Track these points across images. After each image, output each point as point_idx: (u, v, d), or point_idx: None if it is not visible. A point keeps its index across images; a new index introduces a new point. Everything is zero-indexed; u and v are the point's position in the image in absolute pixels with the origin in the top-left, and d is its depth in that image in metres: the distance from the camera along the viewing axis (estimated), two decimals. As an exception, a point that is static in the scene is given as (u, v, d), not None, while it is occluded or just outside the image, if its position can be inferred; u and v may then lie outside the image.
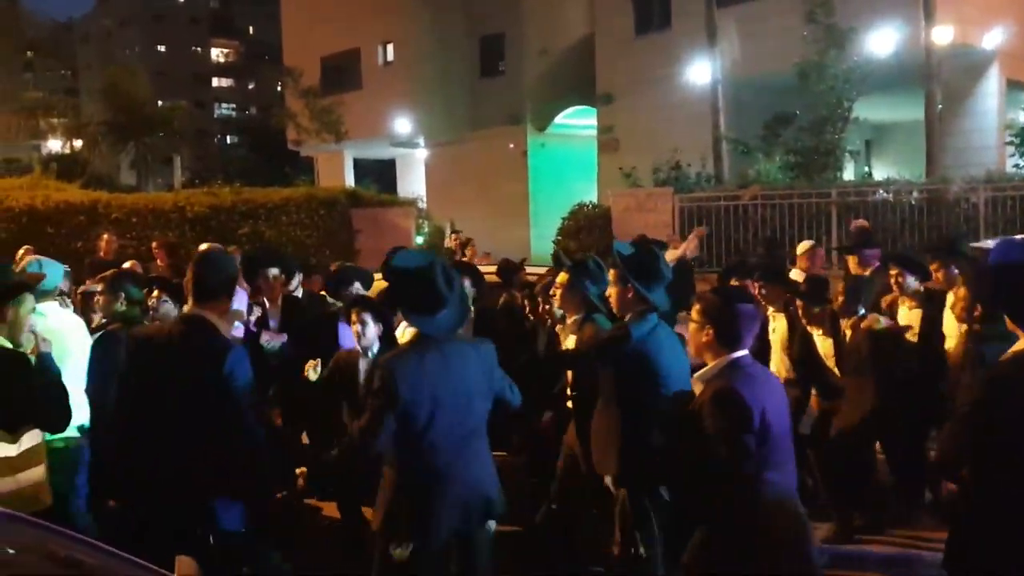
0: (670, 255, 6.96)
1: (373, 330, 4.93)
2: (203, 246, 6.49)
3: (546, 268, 7.20)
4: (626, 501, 4.10)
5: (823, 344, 5.83)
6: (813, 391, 5.84)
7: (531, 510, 5.09)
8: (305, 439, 6.09)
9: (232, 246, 9.07)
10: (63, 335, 4.44)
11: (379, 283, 5.50)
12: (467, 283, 5.64)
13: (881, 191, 12.90)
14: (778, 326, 5.97)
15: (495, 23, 24.42)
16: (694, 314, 3.30)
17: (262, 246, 12.34)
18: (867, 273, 6.59)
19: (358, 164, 28.46)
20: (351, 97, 25.14)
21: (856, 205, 12.69)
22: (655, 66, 19.29)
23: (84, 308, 6.59)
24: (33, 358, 3.75)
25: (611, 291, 4.26)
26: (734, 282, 6.41)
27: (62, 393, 3.77)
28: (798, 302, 5.83)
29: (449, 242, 13.10)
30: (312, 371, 4.89)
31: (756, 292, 6.04)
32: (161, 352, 3.58)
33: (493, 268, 7.49)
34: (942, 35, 14.39)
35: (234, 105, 75.13)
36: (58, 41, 68.79)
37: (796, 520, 3.18)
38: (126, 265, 8.09)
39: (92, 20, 73.76)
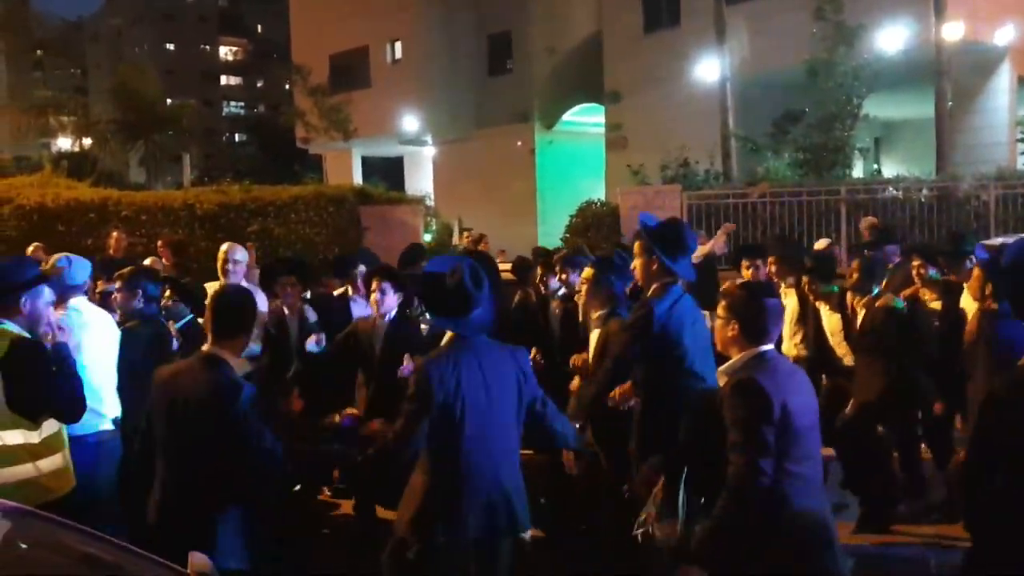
0: (698, 252, 6.95)
1: (391, 299, 5.13)
2: (224, 247, 6.56)
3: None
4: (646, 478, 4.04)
5: (829, 320, 5.86)
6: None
7: (551, 513, 5.05)
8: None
9: (249, 243, 9.07)
10: (97, 329, 4.50)
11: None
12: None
13: (891, 188, 12.87)
14: (789, 303, 6.01)
15: (503, 21, 24.43)
16: (720, 309, 3.26)
17: (279, 257, 12.38)
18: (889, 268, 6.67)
19: (366, 162, 28.51)
20: (359, 95, 25.18)
21: (865, 203, 12.65)
22: (663, 64, 19.27)
23: (102, 306, 6.60)
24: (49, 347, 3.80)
25: (635, 263, 4.20)
26: (746, 264, 6.46)
27: (76, 384, 3.81)
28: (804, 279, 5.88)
29: (459, 240, 13.11)
30: (315, 344, 4.97)
31: (768, 267, 6.12)
32: (179, 390, 3.59)
33: (507, 266, 7.51)
34: (953, 32, 14.31)
35: (243, 103, 75.23)
36: (67, 40, 68.94)
37: (815, 518, 3.08)
38: (146, 262, 8.13)
39: (101, 19, 74.05)
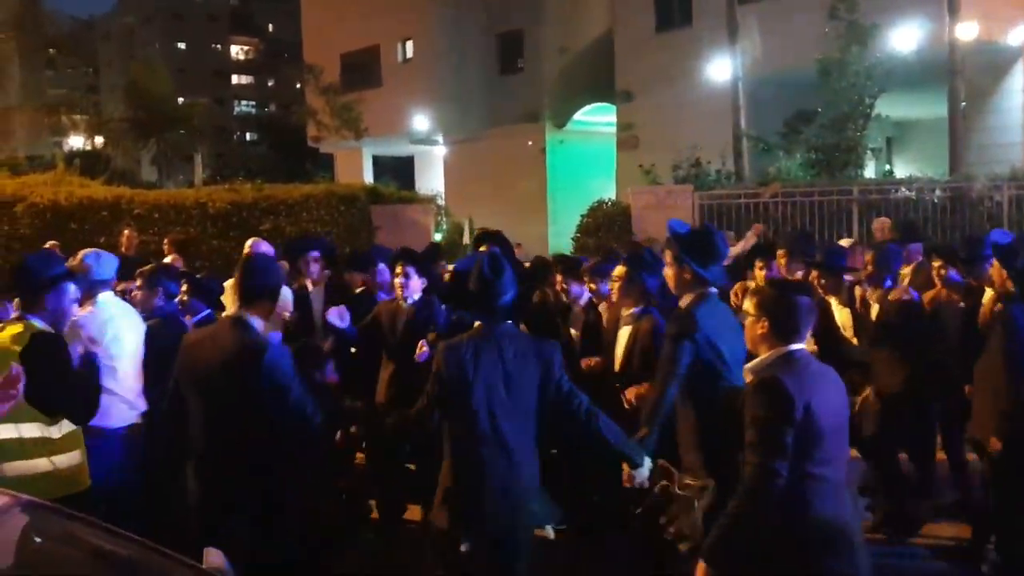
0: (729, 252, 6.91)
1: (416, 283, 5.28)
2: (249, 242, 6.59)
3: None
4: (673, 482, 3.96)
5: (840, 314, 5.83)
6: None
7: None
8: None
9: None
10: (126, 324, 4.54)
11: None
12: None
13: (903, 189, 12.79)
14: None
15: (514, 20, 24.41)
16: (750, 307, 3.21)
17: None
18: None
19: (377, 161, 28.55)
20: (370, 94, 25.22)
21: (878, 203, 12.58)
22: (675, 63, 19.20)
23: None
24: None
25: (667, 271, 4.12)
26: (759, 265, 6.44)
27: (89, 385, 3.83)
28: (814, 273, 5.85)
29: (469, 239, 13.10)
30: (337, 317, 5.08)
31: (778, 261, 6.09)
32: (206, 352, 3.67)
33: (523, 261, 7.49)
34: (967, 31, 14.22)
35: (254, 102, 75.44)
36: (79, 39, 69.23)
37: (833, 522, 2.99)
38: (167, 260, 8.21)
39: (113, 18, 74.40)
